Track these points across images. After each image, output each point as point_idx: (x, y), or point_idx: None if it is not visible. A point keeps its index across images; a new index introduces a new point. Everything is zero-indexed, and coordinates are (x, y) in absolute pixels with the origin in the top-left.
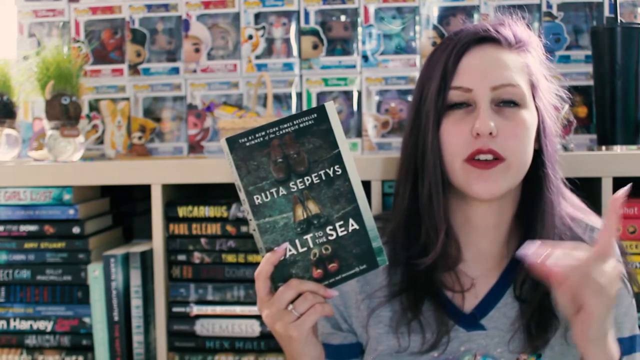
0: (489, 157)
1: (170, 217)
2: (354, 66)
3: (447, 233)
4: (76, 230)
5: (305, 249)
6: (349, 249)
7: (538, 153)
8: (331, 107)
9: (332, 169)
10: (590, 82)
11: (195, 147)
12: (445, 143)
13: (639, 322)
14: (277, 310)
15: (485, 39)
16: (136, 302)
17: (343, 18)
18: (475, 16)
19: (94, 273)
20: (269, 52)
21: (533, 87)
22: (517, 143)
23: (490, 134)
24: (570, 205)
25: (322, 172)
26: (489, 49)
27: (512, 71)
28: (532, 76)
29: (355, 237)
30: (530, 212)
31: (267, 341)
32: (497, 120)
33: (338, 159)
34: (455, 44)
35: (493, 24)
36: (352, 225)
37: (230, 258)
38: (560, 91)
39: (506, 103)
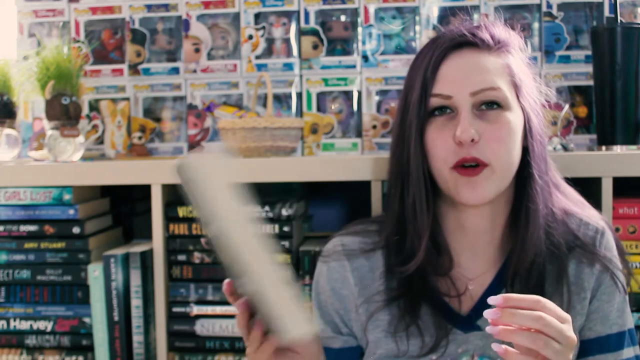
0: (474, 163)
1: (170, 217)
2: (354, 66)
3: (437, 240)
4: (76, 230)
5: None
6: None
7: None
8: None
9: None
10: (590, 82)
11: (195, 147)
12: (431, 151)
13: (635, 321)
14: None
15: (463, 43)
16: (136, 302)
17: (343, 18)
18: (476, 16)
19: (94, 273)
20: (269, 52)
21: (516, 87)
22: (500, 147)
23: (473, 140)
24: (567, 199)
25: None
26: (467, 53)
27: (492, 74)
28: (515, 76)
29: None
30: (518, 213)
31: None
32: (480, 124)
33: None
34: (434, 51)
35: (469, 28)
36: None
37: None
38: (547, 90)
39: (488, 105)
